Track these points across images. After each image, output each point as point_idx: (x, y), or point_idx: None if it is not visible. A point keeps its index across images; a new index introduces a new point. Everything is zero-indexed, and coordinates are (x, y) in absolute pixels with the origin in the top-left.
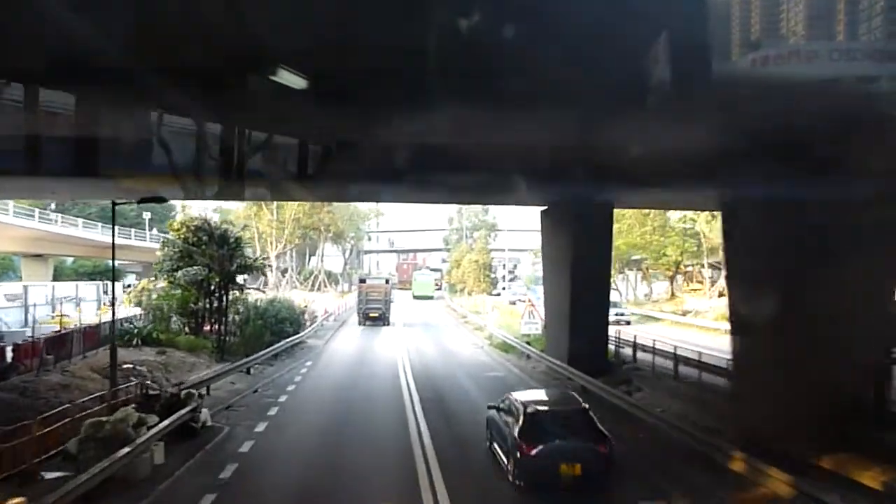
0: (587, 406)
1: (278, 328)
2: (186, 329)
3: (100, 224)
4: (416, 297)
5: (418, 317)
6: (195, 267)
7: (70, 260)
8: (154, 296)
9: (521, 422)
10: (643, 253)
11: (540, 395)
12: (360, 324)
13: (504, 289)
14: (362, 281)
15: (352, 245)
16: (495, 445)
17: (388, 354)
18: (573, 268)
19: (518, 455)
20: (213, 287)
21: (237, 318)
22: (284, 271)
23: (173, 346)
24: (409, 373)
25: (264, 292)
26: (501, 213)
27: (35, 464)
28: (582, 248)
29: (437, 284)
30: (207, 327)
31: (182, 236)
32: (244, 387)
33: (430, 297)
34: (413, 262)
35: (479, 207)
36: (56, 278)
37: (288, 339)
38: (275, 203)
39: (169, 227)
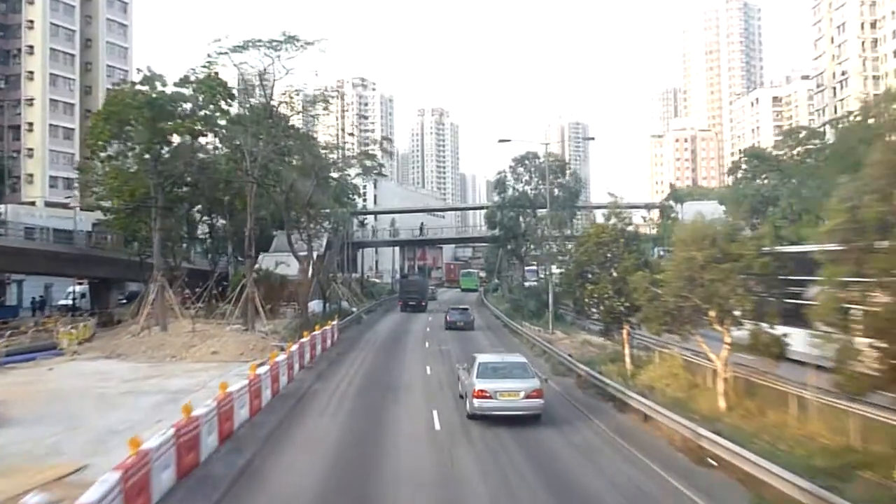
0: (468, 306)
1: None
2: None
3: None
4: (463, 290)
5: None
6: None
7: None
8: None
9: (447, 313)
10: None
11: (458, 304)
12: (401, 310)
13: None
14: (404, 276)
15: (332, 228)
16: (443, 324)
17: None
18: None
19: (447, 319)
20: None
21: None
22: (171, 277)
23: None
24: None
25: None
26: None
27: None
28: None
29: (482, 281)
30: None
31: None
32: None
33: (475, 290)
34: (423, 260)
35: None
36: None
37: None
38: None
39: None
